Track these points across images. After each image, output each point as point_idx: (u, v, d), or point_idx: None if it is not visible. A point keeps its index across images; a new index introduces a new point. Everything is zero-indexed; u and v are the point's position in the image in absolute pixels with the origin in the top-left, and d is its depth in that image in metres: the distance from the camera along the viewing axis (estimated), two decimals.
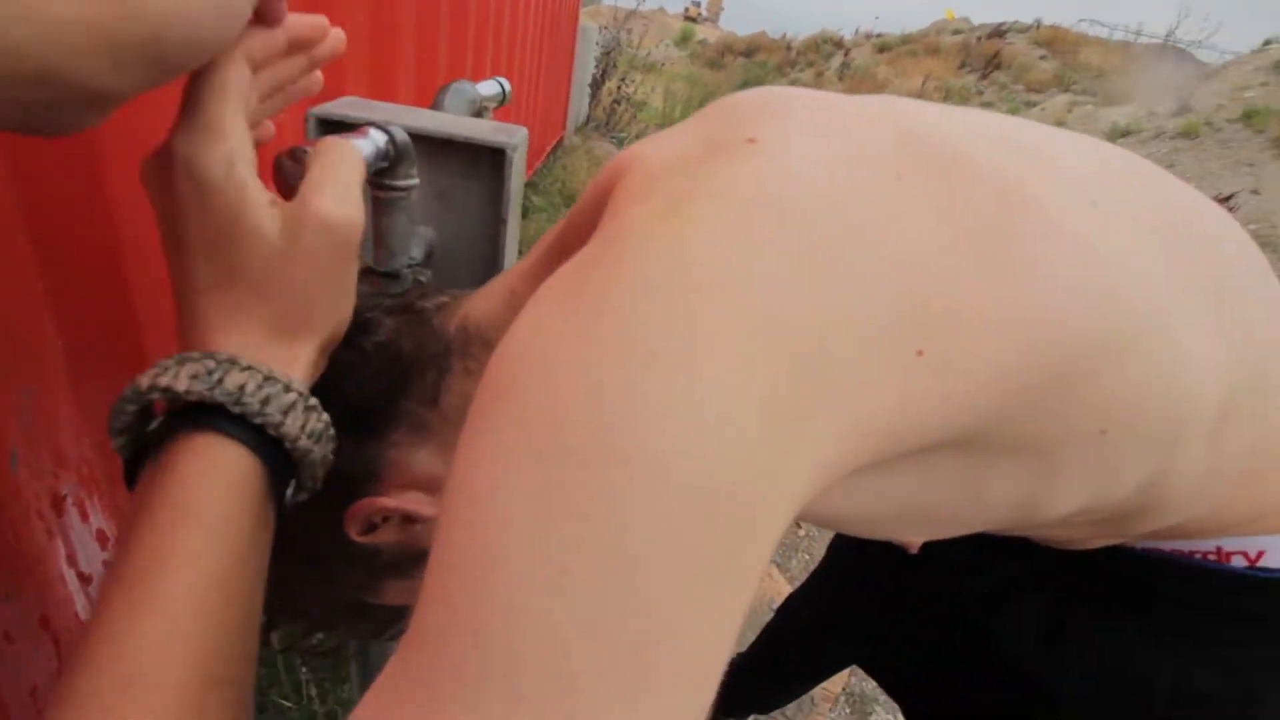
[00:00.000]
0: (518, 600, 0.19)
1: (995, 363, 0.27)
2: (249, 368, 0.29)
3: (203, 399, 0.28)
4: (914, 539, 0.43)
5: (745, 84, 13.19)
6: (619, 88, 6.20)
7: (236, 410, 0.29)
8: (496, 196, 0.51)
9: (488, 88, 0.65)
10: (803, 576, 1.88)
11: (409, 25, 1.35)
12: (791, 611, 1.10)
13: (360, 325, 0.37)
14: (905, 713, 0.69)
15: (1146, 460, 0.35)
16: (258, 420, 0.29)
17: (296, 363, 0.32)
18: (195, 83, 0.30)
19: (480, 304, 0.39)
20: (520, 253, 0.53)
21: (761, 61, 15.99)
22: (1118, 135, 8.24)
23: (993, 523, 0.40)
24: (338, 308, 0.34)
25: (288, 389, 0.30)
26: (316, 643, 0.49)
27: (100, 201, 0.62)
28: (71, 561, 0.68)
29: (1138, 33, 13.74)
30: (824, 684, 1.47)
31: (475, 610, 0.19)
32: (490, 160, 0.51)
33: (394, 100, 1.34)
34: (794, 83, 14.71)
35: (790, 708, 1.46)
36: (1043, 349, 0.28)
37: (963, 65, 12.88)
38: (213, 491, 0.28)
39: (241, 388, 0.29)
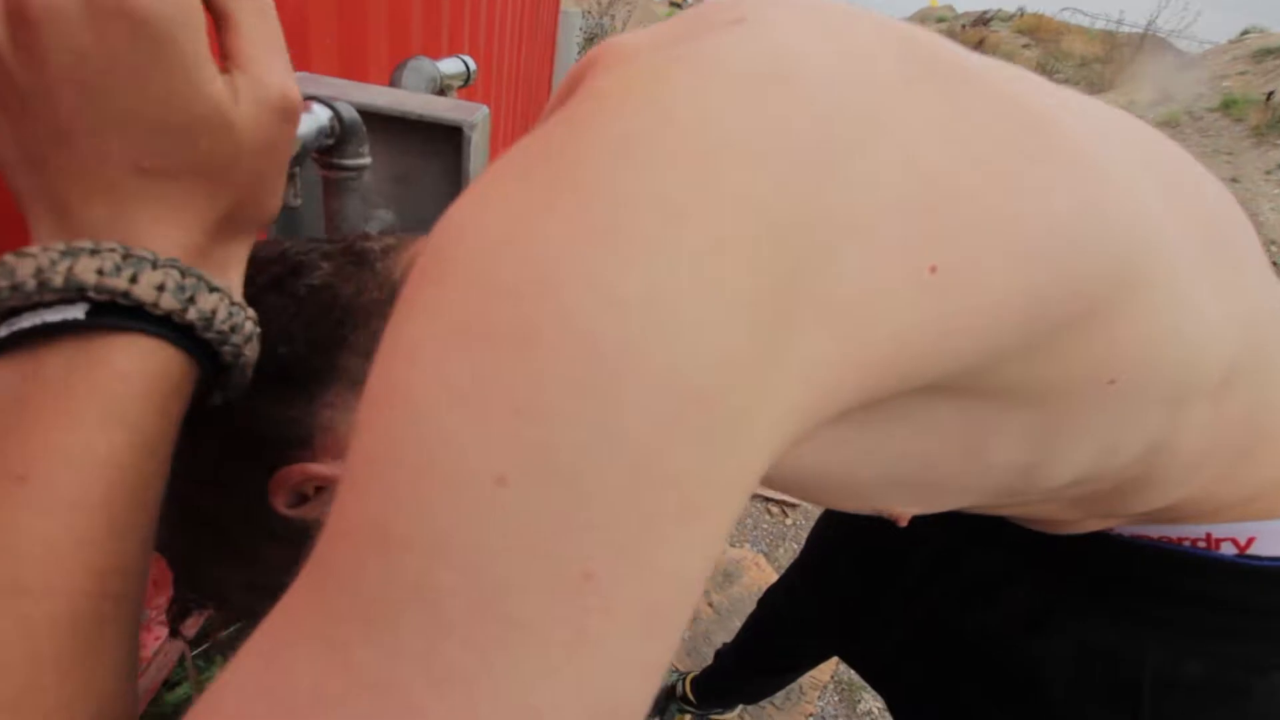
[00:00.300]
0: (442, 513, 0.16)
1: (1003, 287, 0.24)
2: (215, 289, 0.26)
3: (171, 315, 0.25)
4: (905, 509, 0.39)
5: None
6: None
7: (207, 335, 0.26)
8: (454, 176, 0.49)
9: (450, 65, 0.62)
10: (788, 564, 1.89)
11: (382, 4, 1.31)
12: (774, 602, 1.09)
13: (293, 268, 0.33)
14: (888, 703, 0.68)
15: (1152, 420, 0.33)
16: (224, 348, 0.27)
17: (232, 261, 0.29)
18: None
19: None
20: None
21: None
22: None
23: (989, 490, 0.37)
24: (277, 199, 0.30)
25: (239, 307, 0.28)
26: (235, 633, 0.45)
27: None
28: None
29: (1119, 22, 13.82)
30: (812, 672, 1.47)
31: (389, 523, 0.16)
32: (449, 139, 0.49)
33: (364, 81, 1.30)
34: None
35: (779, 697, 1.46)
36: (1052, 276, 0.25)
37: None
38: (149, 396, 0.25)
39: (214, 311, 0.26)
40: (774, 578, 1.80)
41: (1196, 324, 0.31)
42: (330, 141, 0.39)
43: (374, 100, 0.45)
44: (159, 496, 0.26)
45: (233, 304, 0.27)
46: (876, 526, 0.68)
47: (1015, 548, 0.51)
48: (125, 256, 0.24)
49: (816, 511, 2.06)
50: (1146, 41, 12.16)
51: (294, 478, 0.32)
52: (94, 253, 0.24)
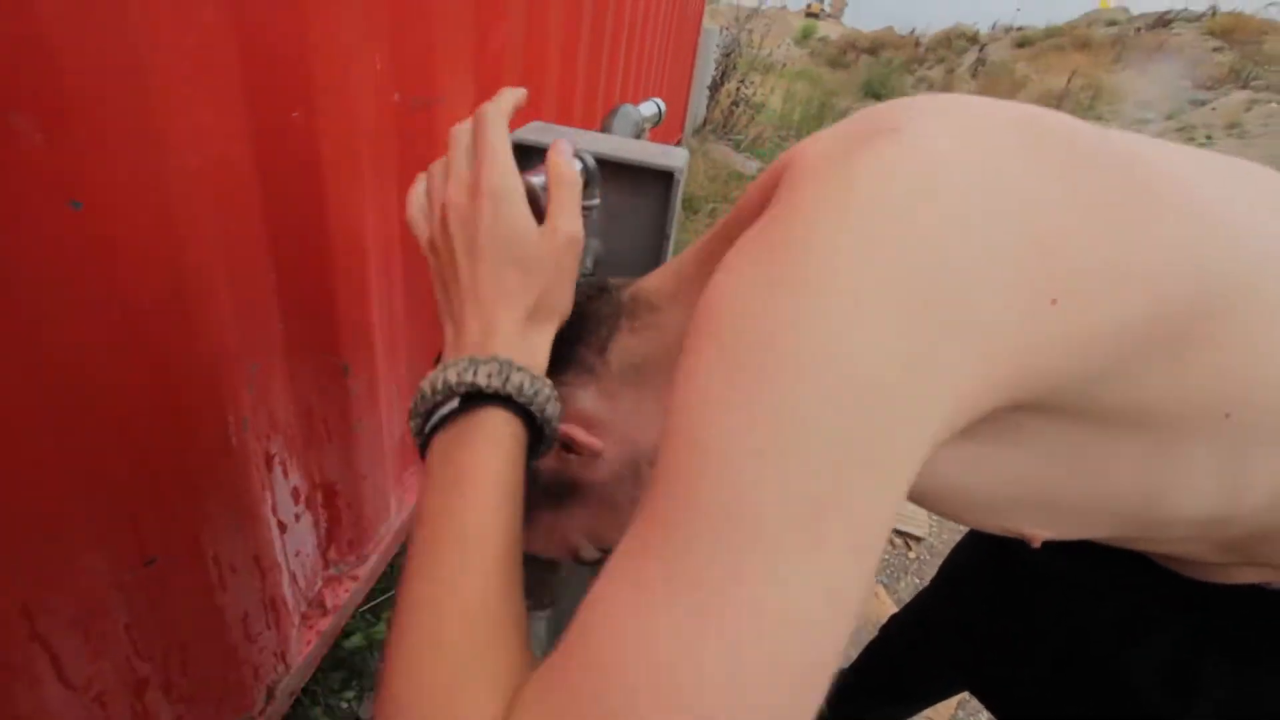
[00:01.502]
0: (726, 477, 0.25)
1: (1120, 315, 0.29)
2: (522, 369, 0.38)
3: (496, 391, 0.37)
4: (1036, 530, 0.43)
5: (869, 83, 12.70)
6: (738, 89, 6.18)
7: (520, 400, 0.38)
8: (661, 214, 0.56)
9: (647, 109, 0.70)
10: (908, 598, 1.83)
11: (555, 46, 1.45)
12: (899, 627, 1.08)
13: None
14: None
15: (1276, 459, 0.35)
16: (533, 409, 0.39)
17: (541, 348, 0.41)
18: (481, 145, 0.41)
19: (650, 280, 0.46)
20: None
21: (887, 59, 15.32)
22: None
23: (1119, 515, 0.40)
24: (567, 299, 0.43)
25: (549, 387, 0.40)
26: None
27: (318, 211, 0.73)
28: (274, 510, 0.81)
29: None
30: (928, 712, 1.42)
31: (693, 487, 0.25)
32: (655, 181, 0.56)
33: (540, 111, 1.44)
34: (921, 80, 13.99)
35: None
36: (1148, 304, 0.30)
37: (1117, 60, 11.73)
38: (506, 460, 0.37)
39: (521, 386, 0.38)
40: (893, 609, 1.75)
41: None
42: (580, 186, 0.47)
43: (599, 148, 0.53)
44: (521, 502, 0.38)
45: (534, 378, 0.39)
46: (1013, 556, 0.67)
47: (1165, 589, 0.50)
48: (470, 363, 0.38)
49: (941, 548, 1.98)
50: None
51: None
52: (452, 365, 0.38)
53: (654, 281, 0.45)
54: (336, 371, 0.84)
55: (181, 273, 0.57)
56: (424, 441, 0.39)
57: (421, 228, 0.44)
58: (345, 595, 1.04)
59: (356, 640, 1.29)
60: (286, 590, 0.87)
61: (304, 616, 0.96)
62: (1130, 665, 0.51)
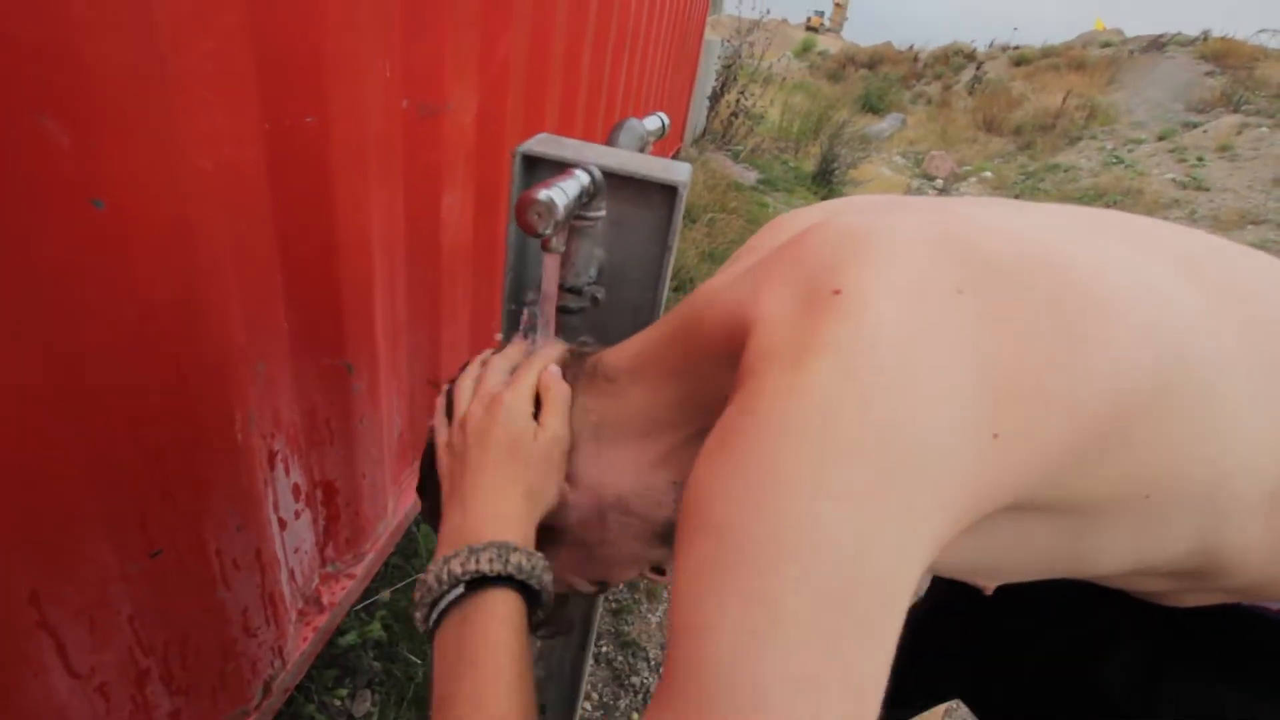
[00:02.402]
0: (730, 654, 0.28)
1: (1055, 434, 0.33)
2: (518, 549, 0.44)
3: (498, 573, 0.42)
4: (986, 583, 0.51)
5: (866, 96, 12.81)
6: (737, 100, 6.23)
7: (520, 578, 0.43)
8: (664, 227, 0.58)
9: (651, 123, 0.72)
10: None
11: (559, 56, 1.47)
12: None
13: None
14: None
15: (1189, 527, 0.38)
16: (531, 582, 0.43)
17: (531, 527, 0.47)
18: (523, 376, 0.50)
19: (610, 355, 0.51)
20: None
21: (885, 74, 15.46)
22: None
23: (1056, 570, 0.44)
24: (553, 486, 0.49)
25: (542, 559, 0.45)
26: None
27: (326, 215, 0.74)
28: (275, 507, 0.82)
29: None
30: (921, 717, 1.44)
31: (702, 671, 0.29)
32: (659, 195, 0.58)
33: (542, 120, 1.46)
34: (919, 95, 14.10)
35: None
36: (1090, 415, 0.33)
37: (1112, 81, 11.88)
38: (514, 632, 0.41)
39: (520, 564, 0.43)
40: None
41: (1238, 443, 0.36)
42: (586, 199, 0.49)
43: (606, 161, 0.55)
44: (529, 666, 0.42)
45: (530, 554, 0.44)
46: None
47: (1133, 611, 0.53)
48: (470, 551, 0.42)
49: None
50: None
51: None
52: (454, 556, 0.42)
53: (612, 356, 0.50)
54: (340, 372, 0.86)
55: (193, 272, 0.58)
56: (432, 628, 0.43)
57: (443, 432, 0.52)
58: (341, 593, 1.05)
59: (351, 638, 1.30)
60: (285, 586, 0.88)
61: (300, 613, 0.97)
62: (1098, 677, 0.55)
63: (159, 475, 0.60)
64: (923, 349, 0.32)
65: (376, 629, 1.33)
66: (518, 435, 0.47)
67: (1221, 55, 11.79)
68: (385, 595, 1.43)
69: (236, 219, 0.63)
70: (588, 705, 1.39)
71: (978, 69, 14.01)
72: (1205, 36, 12.59)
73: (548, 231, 0.43)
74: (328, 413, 0.87)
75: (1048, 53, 14.04)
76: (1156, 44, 12.85)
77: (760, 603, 0.28)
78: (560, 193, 0.43)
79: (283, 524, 0.85)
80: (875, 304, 0.33)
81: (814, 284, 0.35)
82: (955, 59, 15.61)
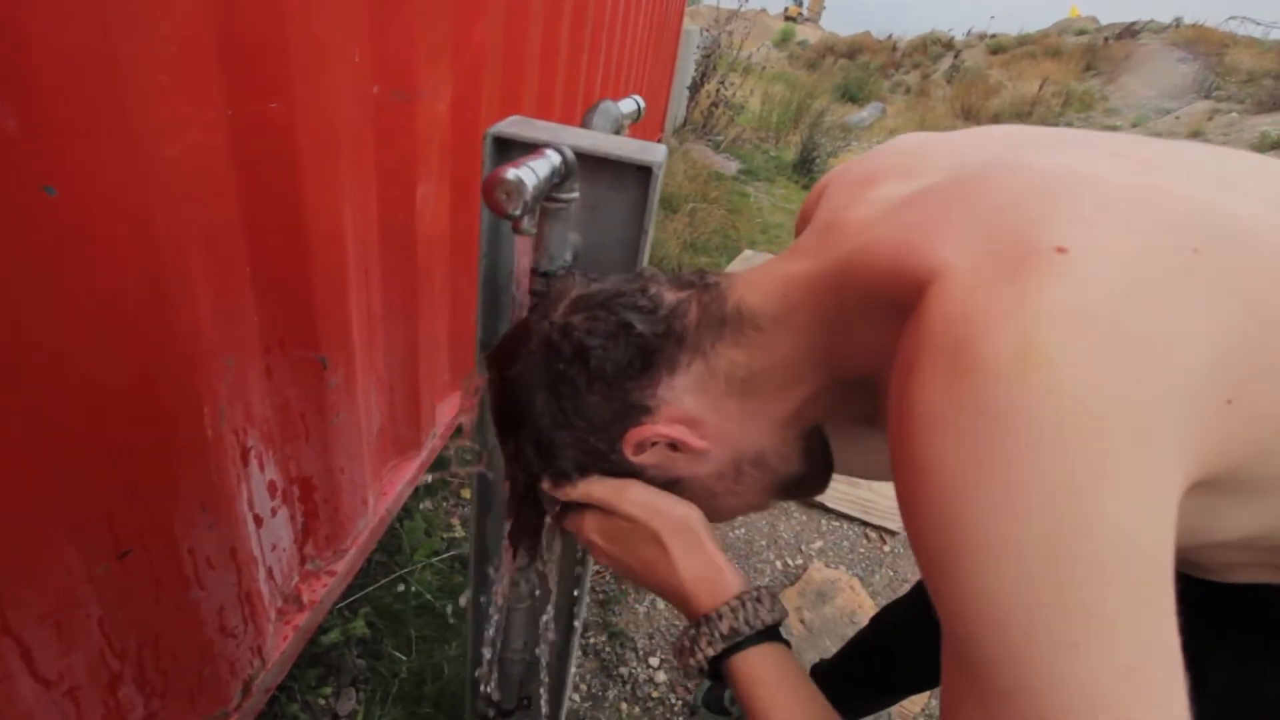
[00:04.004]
0: (1045, 666, 0.29)
1: (1275, 406, 0.32)
2: (756, 598, 0.47)
3: (765, 625, 0.46)
4: None
5: (844, 85, 12.82)
6: (717, 90, 6.21)
7: (773, 622, 0.46)
8: (640, 209, 0.57)
9: (626, 106, 0.71)
10: (885, 592, 1.86)
11: (536, 43, 1.45)
12: (888, 621, 1.10)
13: (651, 302, 0.46)
14: None
15: None
16: (778, 623, 0.47)
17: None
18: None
19: (753, 295, 0.45)
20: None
21: (864, 63, 15.50)
22: (1268, 147, 7.45)
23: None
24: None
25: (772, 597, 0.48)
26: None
27: (295, 204, 0.73)
28: (250, 504, 0.80)
29: None
30: (904, 703, 1.45)
31: (1021, 678, 0.29)
32: (634, 176, 0.57)
33: (519, 106, 1.44)
34: (898, 85, 14.17)
35: None
36: None
37: (1087, 68, 12.01)
38: (795, 671, 0.45)
39: (769, 609, 0.47)
40: (868, 602, 1.78)
41: None
42: (559, 180, 0.48)
43: (580, 143, 0.54)
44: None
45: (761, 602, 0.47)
46: None
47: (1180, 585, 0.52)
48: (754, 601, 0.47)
49: None
50: None
51: (642, 434, 0.46)
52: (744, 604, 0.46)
53: (757, 298, 0.45)
54: (314, 365, 0.84)
55: (157, 263, 0.56)
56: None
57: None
58: (322, 590, 1.04)
59: (334, 636, 1.28)
60: (263, 585, 0.86)
61: (280, 612, 0.96)
62: None
63: (125, 473, 0.59)
64: (1169, 310, 0.30)
65: (360, 626, 1.32)
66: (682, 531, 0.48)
67: (1193, 42, 11.96)
68: (369, 592, 1.41)
69: (201, 208, 0.61)
70: (576, 696, 1.39)
71: (955, 57, 14.10)
72: (1178, 23, 12.77)
73: (517, 212, 0.42)
74: (302, 407, 0.85)
75: (1024, 41, 14.17)
76: (1130, 31, 13.01)
77: (1072, 613, 0.28)
78: (530, 172, 0.42)
79: (259, 521, 0.83)
80: (1113, 264, 0.30)
81: (1024, 237, 0.32)
82: (933, 48, 15.70)
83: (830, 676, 1.25)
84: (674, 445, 0.46)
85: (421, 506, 1.63)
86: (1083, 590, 0.28)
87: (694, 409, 0.45)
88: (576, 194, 0.51)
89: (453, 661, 1.34)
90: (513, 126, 0.56)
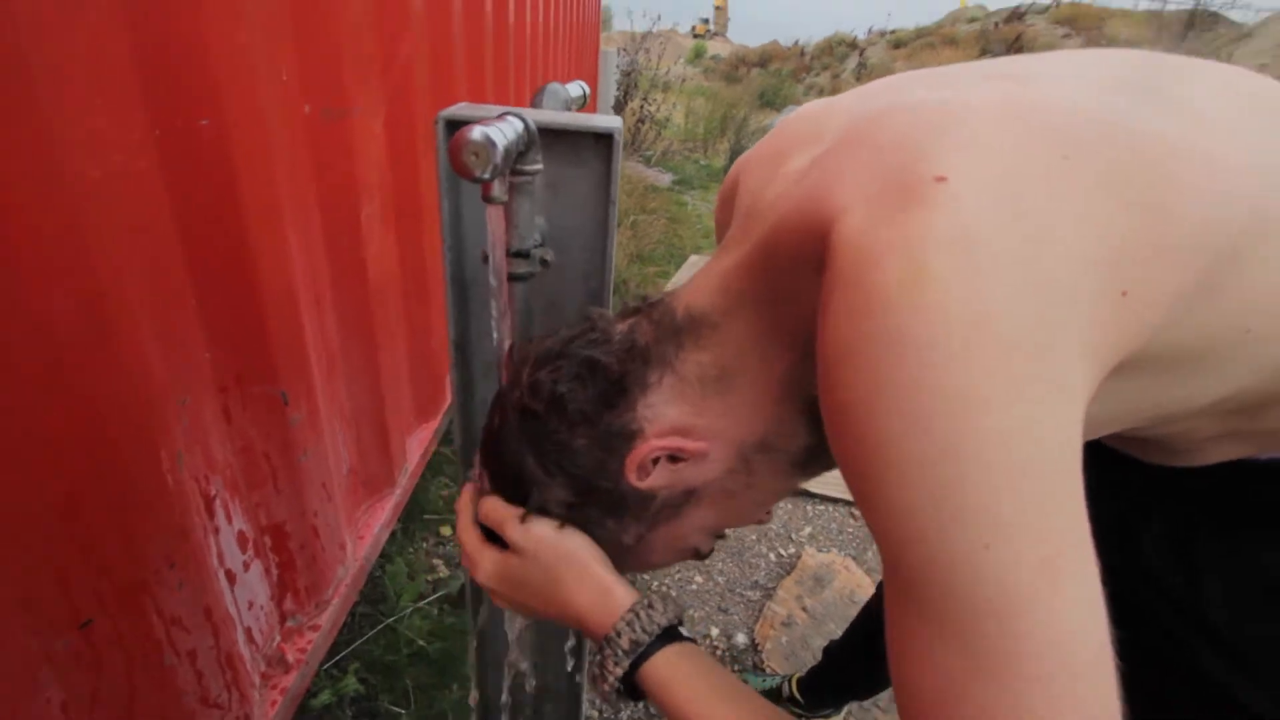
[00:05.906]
0: (964, 568, 0.30)
1: (1174, 286, 0.33)
2: (649, 605, 0.47)
3: (662, 628, 0.46)
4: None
5: (764, 94, 13.22)
6: (641, 107, 6.31)
7: (668, 624, 0.46)
8: (604, 180, 0.55)
9: (575, 89, 0.69)
10: (879, 568, 1.86)
11: (461, 62, 1.43)
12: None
13: (603, 334, 0.47)
14: None
15: None
16: (678, 623, 0.47)
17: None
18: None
19: (699, 298, 0.47)
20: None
21: (776, 70, 16.04)
22: None
23: (1132, 422, 0.44)
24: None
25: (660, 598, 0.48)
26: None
27: (236, 228, 0.68)
28: (220, 559, 0.74)
29: (1165, 1, 13.35)
30: None
31: (945, 584, 0.31)
32: (595, 148, 0.55)
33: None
34: (811, 87, 14.72)
35: (884, 698, 1.44)
36: (1197, 262, 0.33)
37: (983, 52, 12.70)
38: (707, 665, 0.45)
39: (663, 611, 0.47)
40: (865, 579, 1.78)
41: None
42: (523, 149, 0.46)
43: (536, 118, 0.52)
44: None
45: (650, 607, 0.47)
46: None
47: (1144, 489, 0.52)
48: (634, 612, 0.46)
49: None
50: (1196, 18, 11.70)
51: (640, 455, 0.45)
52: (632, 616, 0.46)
53: (703, 299, 0.46)
54: (274, 401, 0.79)
55: (94, 293, 0.52)
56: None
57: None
58: (307, 648, 0.97)
59: (325, 698, 1.20)
60: (243, 647, 0.80)
61: (265, 676, 0.88)
62: (1138, 552, 0.54)
63: (78, 531, 0.53)
64: (1047, 222, 0.31)
65: (352, 683, 1.24)
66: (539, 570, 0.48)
67: (1073, 18, 12.81)
68: (357, 648, 1.33)
69: (135, 233, 0.57)
70: (594, 715, 1.33)
71: (860, 55, 14.74)
72: (1057, 3, 13.67)
73: (486, 175, 0.39)
74: (266, 447, 0.80)
75: (921, 33, 14.93)
76: (1017, 14, 13.87)
77: (980, 516, 0.29)
78: (498, 132, 0.40)
79: (231, 577, 0.77)
80: (990, 184, 0.32)
81: (906, 171, 0.33)
82: (839, 49, 16.37)
83: (843, 653, 1.23)
84: (674, 457, 0.46)
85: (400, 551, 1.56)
86: (984, 494, 0.29)
87: (679, 418, 0.45)
88: (540, 165, 0.49)
89: (456, 707, 1.27)
90: (465, 110, 0.54)
